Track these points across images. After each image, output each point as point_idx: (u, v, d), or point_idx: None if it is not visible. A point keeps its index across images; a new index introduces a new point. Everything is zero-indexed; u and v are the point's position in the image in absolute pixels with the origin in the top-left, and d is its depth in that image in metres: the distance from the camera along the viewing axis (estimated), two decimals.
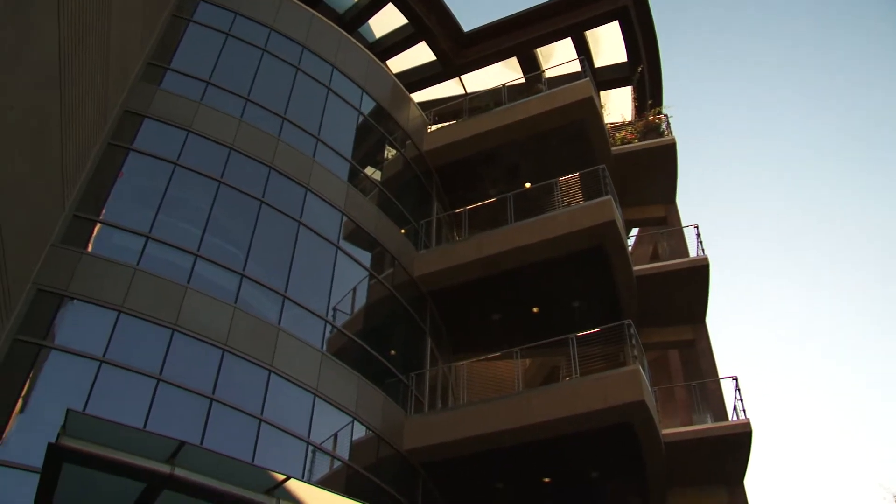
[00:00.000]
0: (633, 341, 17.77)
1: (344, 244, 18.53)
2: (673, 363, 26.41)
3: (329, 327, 16.99)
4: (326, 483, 15.14)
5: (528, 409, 17.29)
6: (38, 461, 9.14)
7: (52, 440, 8.49)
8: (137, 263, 14.29)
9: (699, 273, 21.96)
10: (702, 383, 21.84)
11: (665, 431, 18.72)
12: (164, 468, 8.91)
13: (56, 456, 8.69)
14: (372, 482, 16.34)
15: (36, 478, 9.44)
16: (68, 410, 8.48)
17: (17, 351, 12.20)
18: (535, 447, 17.82)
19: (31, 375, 12.35)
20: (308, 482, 10.27)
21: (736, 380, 19.83)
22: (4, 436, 11.62)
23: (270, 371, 14.92)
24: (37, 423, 12.00)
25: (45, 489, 9.36)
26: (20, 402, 12.05)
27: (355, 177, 20.18)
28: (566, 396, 17.16)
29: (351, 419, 16.37)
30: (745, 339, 71.01)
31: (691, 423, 21.41)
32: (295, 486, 9.76)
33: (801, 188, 64.84)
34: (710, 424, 19.78)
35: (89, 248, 14.17)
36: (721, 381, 21.40)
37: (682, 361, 25.30)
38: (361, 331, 18.25)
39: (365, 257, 19.33)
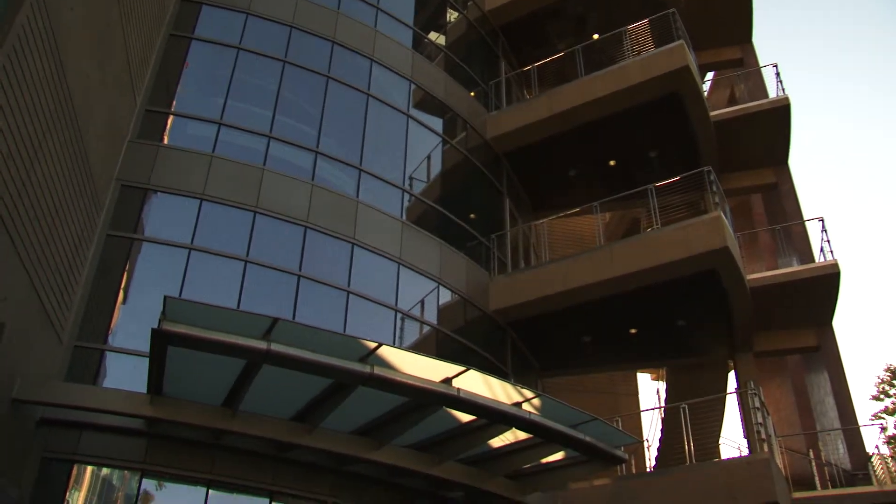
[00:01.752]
0: (714, 188, 17.45)
1: (414, 112, 18.42)
2: (756, 208, 26.02)
3: (407, 196, 17.14)
4: (417, 348, 15.65)
5: (610, 262, 17.33)
6: (145, 346, 9.69)
7: (155, 326, 8.96)
8: (213, 151, 14.53)
9: (780, 114, 21.28)
10: (786, 226, 21.49)
11: (750, 277, 18.62)
12: (262, 344, 9.35)
13: (160, 340, 9.20)
14: (461, 344, 16.82)
15: (146, 361, 10.05)
16: (166, 297, 8.88)
17: (112, 246, 12.75)
18: (620, 299, 17.97)
19: (126, 268, 12.95)
20: (399, 348, 10.61)
21: (822, 221, 19.46)
22: (112, 326, 12.31)
23: (353, 244, 15.24)
24: (139, 312, 12.65)
25: (155, 371, 9.98)
26: (121, 293, 12.69)
27: (419, 43, 19.84)
28: (649, 247, 17.09)
29: (436, 284, 16.72)
30: (832, 179, 68.92)
31: (777, 268, 21.21)
32: (387, 352, 10.12)
33: (888, 11, 60.97)
34: (796, 267, 19.59)
35: (165, 141, 14.45)
36: (806, 223, 21.03)
37: (766, 205, 24.87)
38: (439, 197, 18.37)
39: (436, 123, 19.23)
